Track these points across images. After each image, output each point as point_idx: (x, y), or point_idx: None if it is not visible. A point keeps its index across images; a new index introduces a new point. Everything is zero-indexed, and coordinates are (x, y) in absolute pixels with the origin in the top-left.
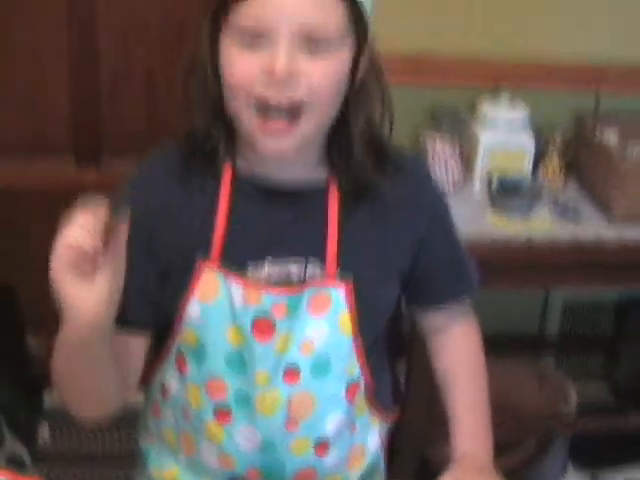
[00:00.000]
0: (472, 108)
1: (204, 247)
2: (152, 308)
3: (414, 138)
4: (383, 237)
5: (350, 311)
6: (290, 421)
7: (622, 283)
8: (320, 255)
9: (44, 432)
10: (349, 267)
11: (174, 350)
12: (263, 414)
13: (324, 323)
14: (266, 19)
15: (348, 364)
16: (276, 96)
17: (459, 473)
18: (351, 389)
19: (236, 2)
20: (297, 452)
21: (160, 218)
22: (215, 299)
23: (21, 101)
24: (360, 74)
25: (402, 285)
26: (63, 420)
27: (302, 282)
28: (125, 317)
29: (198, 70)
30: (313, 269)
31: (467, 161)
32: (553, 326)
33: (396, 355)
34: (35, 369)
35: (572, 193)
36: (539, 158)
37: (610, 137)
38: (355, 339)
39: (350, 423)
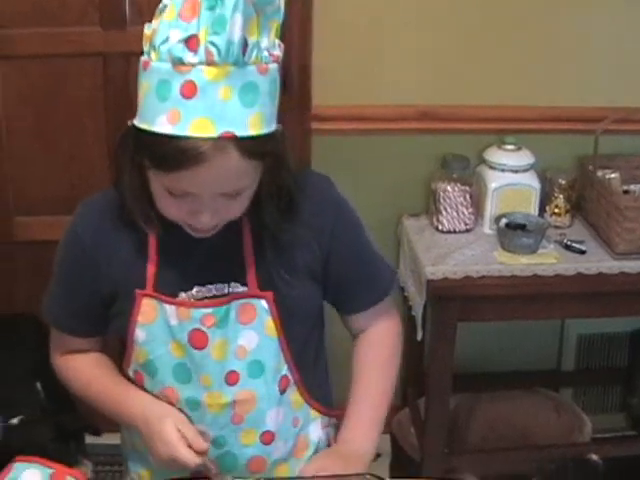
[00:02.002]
0: (480, 154)
1: (140, 280)
2: (103, 322)
3: (426, 183)
4: (293, 250)
5: (274, 317)
6: (235, 417)
7: (625, 313)
8: (241, 278)
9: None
10: (267, 282)
11: (131, 369)
12: (212, 413)
13: (252, 330)
14: (191, 191)
15: (278, 363)
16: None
17: (323, 461)
18: (283, 383)
19: (163, 175)
20: (245, 443)
21: (100, 256)
22: (154, 320)
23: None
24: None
25: (323, 291)
26: (107, 461)
27: (227, 296)
28: (81, 333)
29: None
30: (237, 289)
31: (477, 204)
32: (569, 359)
33: (417, 394)
34: (76, 411)
35: (577, 230)
36: (545, 198)
37: (611, 177)
38: (281, 340)
39: (291, 417)
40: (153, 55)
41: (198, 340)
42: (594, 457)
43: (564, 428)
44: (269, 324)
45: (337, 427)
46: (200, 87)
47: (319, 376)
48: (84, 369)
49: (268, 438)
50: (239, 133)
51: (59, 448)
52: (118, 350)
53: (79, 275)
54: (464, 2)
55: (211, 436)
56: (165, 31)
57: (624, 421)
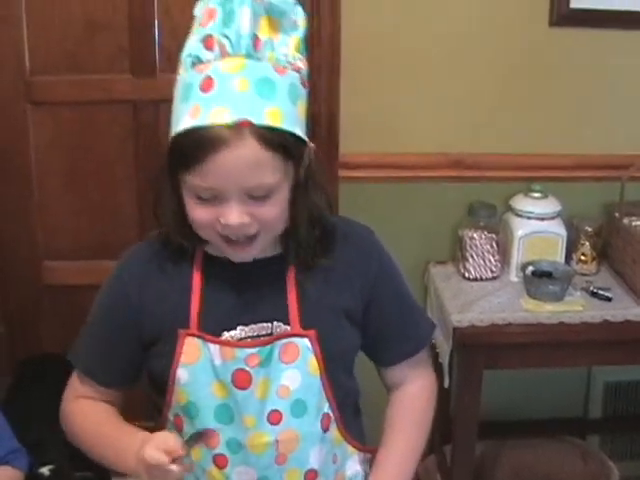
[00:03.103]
0: (507, 202)
1: (184, 320)
2: (134, 372)
3: (453, 232)
4: (336, 292)
5: (317, 355)
6: (279, 457)
7: None
8: (284, 317)
9: None
10: (310, 322)
11: (171, 413)
12: (255, 454)
13: (296, 369)
14: (216, 186)
15: (320, 401)
16: (234, 235)
17: None
18: (325, 422)
19: (189, 174)
20: None
21: (144, 300)
22: (198, 360)
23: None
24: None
25: (361, 339)
26: None
27: (270, 336)
28: (111, 385)
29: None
30: (279, 328)
31: (503, 251)
32: (596, 407)
33: (444, 440)
34: None
35: (603, 277)
36: (571, 246)
37: (637, 224)
38: (323, 379)
39: (332, 454)
40: (181, 70)
41: (242, 380)
42: None
43: (591, 476)
44: (312, 363)
45: (371, 463)
46: (217, 80)
47: (355, 414)
48: (88, 411)
49: (312, 477)
50: (256, 121)
51: None
52: (151, 400)
53: (120, 322)
54: (495, 50)
55: (255, 475)
56: (189, 43)
57: None
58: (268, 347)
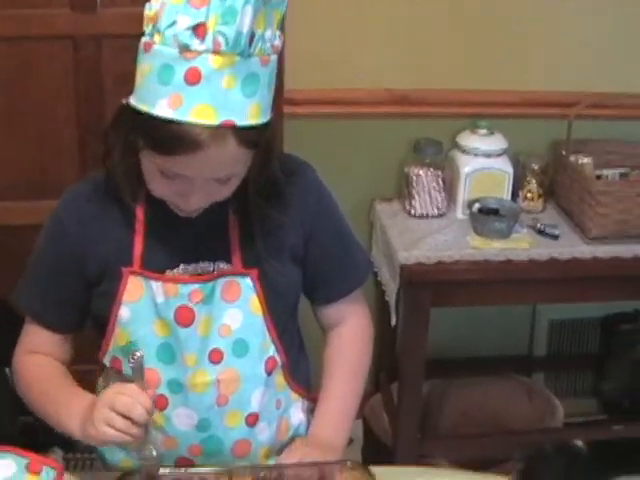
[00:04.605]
0: (453, 139)
1: (127, 259)
2: (81, 314)
3: (399, 169)
4: (277, 231)
5: (258, 295)
6: (220, 398)
7: (598, 298)
8: (226, 256)
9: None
10: (252, 261)
11: (109, 354)
12: (196, 394)
13: (237, 308)
14: (185, 175)
15: (264, 342)
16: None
17: (303, 449)
18: (269, 365)
19: (158, 156)
20: (231, 425)
21: (86, 239)
22: (140, 298)
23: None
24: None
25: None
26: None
27: (212, 274)
28: (60, 323)
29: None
30: (221, 266)
31: (450, 189)
32: (541, 345)
33: (390, 379)
34: None
35: (550, 215)
36: (518, 183)
37: (584, 161)
38: (266, 319)
39: (274, 398)
40: (157, 38)
41: (185, 317)
42: (578, 443)
43: (536, 413)
44: (254, 302)
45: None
46: (205, 74)
47: (301, 360)
48: (39, 369)
49: (253, 420)
50: (239, 122)
51: (29, 437)
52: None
53: (62, 261)
54: None
55: (195, 417)
56: (172, 15)
57: (595, 406)
58: (210, 284)
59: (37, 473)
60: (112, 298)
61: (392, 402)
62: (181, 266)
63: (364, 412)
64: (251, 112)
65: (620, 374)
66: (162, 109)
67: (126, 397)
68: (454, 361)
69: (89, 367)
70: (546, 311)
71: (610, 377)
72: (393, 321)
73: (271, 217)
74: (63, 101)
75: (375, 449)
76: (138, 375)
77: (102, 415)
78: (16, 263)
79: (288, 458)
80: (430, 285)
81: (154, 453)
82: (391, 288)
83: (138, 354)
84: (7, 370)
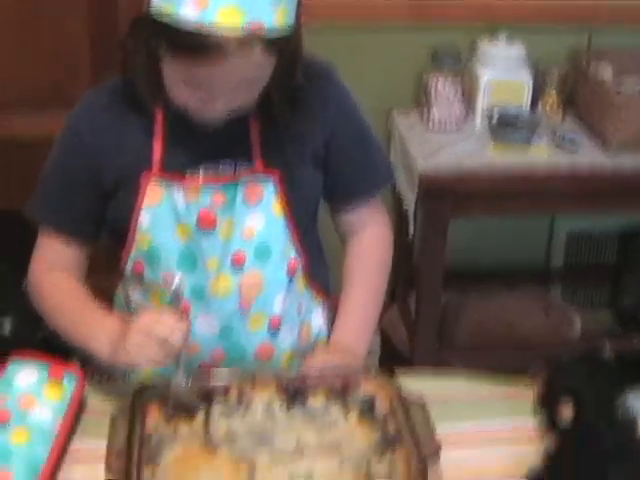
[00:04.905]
0: (472, 48)
1: (146, 166)
2: (97, 224)
3: (417, 79)
4: (299, 134)
5: (280, 198)
6: (243, 302)
7: (616, 210)
8: (247, 157)
9: None
10: (274, 163)
11: (131, 261)
12: (218, 299)
13: (259, 212)
14: (209, 86)
15: (285, 246)
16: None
17: (325, 356)
18: (291, 268)
19: (181, 65)
20: (253, 330)
21: (102, 145)
22: (160, 203)
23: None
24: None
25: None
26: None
27: (234, 176)
28: (76, 234)
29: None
30: (243, 167)
31: (468, 98)
32: (558, 257)
33: (407, 291)
34: None
35: (570, 125)
36: (537, 93)
37: (604, 71)
38: (288, 222)
39: (296, 303)
40: None
41: (207, 221)
42: (603, 351)
43: (553, 326)
44: (276, 205)
45: (333, 319)
46: None
47: (321, 265)
48: (59, 288)
49: (275, 324)
50: (267, 25)
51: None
52: (112, 251)
53: (76, 172)
54: None
55: (217, 323)
56: None
57: (612, 319)
58: (232, 187)
59: (58, 380)
60: (131, 205)
61: (409, 314)
62: (202, 168)
63: (382, 324)
64: (278, 16)
65: (637, 287)
66: (187, 10)
67: (164, 325)
68: (471, 273)
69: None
70: (564, 223)
71: (627, 290)
72: (411, 231)
73: (293, 121)
74: (76, 13)
75: (392, 360)
76: (176, 302)
77: (137, 341)
78: (30, 176)
79: (310, 364)
80: (449, 195)
81: (185, 380)
82: (409, 199)
83: (177, 280)
84: (23, 283)
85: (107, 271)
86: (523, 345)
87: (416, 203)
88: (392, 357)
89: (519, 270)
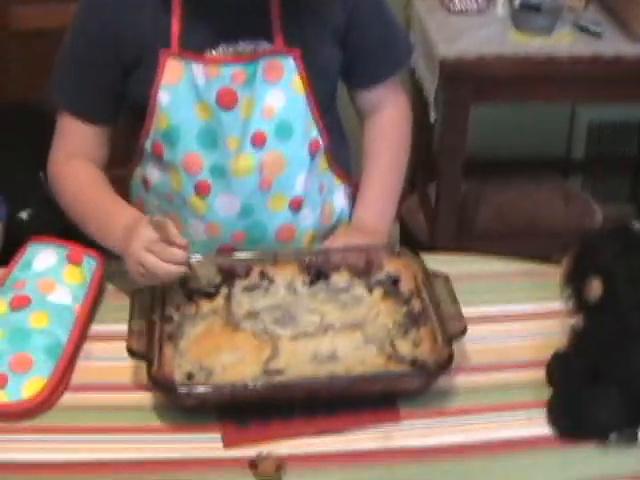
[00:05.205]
0: None
1: (164, 40)
2: (116, 103)
3: None
4: (319, 11)
5: (301, 75)
6: (264, 181)
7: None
8: (268, 35)
9: None
10: (295, 40)
11: (149, 140)
12: (238, 179)
13: (280, 89)
14: None
15: (307, 124)
16: None
17: (346, 235)
18: (313, 147)
19: None
20: (274, 210)
21: (121, 20)
22: (180, 81)
23: None
24: None
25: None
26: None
27: (254, 53)
28: (96, 115)
29: None
30: (263, 45)
31: None
32: (579, 148)
33: (427, 179)
34: None
35: (593, 13)
36: None
37: None
38: (309, 99)
39: (318, 182)
40: None
41: (227, 99)
42: (635, 225)
43: (573, 217)
44: (296, 82)
45: (354, 200)
46: None
47: (342, 144)
48: (79, 177)
49: (297, 204)
50: None
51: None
52: (130, 129)
53: (96, 47)
54: None
55: (238, 203)
56: None
57: (633, 211)
58: (252, 64)
59: (78, 263)
60: (150, 82)
61: (429, 202)
62: (221, 46)
63: (401, 213)
64: None
65: None
66: None
67: (158, 265)
68: (491, 162)
69: (121, 172)
70: (585, 113)
71: None
72: (432, 117)
73: None
74: None
75: (412, 249)
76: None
77: (133, 267)
78: (46, 67)
79: (332, 243)
80: (470, 80)
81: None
82: (429, 85)
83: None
84: (41, 174)
85: (124, 165)
86: (543, 234)
87: (437, 89)
88: (411, 246)
89: (539, 160)
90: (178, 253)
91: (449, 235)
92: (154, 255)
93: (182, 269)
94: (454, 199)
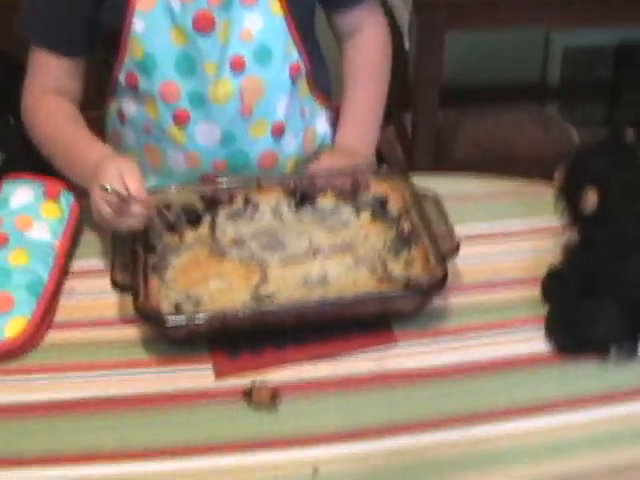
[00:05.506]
0: None
1: None
2: (90, 34)
3: None
4: None
5: None
6: (244, 107)
7: (615, 21)
8: None
9: None
10: None
11: (124, 71)
12: (218, 105)
13: (257, 12)
14: None
15: (286, 47)
16: None
17: (330, 158)
18: (293, 71)
19: None
20: (256, 137)
21: None
22: (154, 6)
23: None
24: None
25: None
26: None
27: None
28: (69, 47)
29: None
30: None
31: None
32: (555, 73)
33: (402, 107)
34: None
35: None
36: None
37: None
38: (288, 22)
39: (299, 107)
40: None
41: (203, 23)
42: (629, 138)
43: (552, 142)
44: (274, 3)
45: (336, 126)
46: None
47: (322, 68)
48: (53, 112)
49: (279, 130)
50: None
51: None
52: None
53: None
54: None
55: (218, 131)
56: None
57: (606, 134)
58: None
59: (55, 198)
60: (124, 9)
61: (406, 133)
62: None
63: (379, 146)
64: None
65: (635, 103)
66: None
67: (111, 216)
68: (466, 90)
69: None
70: (560, 38)
71: (624, 106)
72: (406, 45)
73: None
74: None
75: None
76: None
77: (93, 206)
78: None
79: (317, 166)
80: (443, 6)
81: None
82: (402, 12)
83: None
84: (10, 118)
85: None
86: (521, 161)
87: (410, 17)
88: None
89: (515, 87)
90: (133, 209)
91: (426, 165)
92: (109, 206)
93: (138, 223)
94: (431, 128)
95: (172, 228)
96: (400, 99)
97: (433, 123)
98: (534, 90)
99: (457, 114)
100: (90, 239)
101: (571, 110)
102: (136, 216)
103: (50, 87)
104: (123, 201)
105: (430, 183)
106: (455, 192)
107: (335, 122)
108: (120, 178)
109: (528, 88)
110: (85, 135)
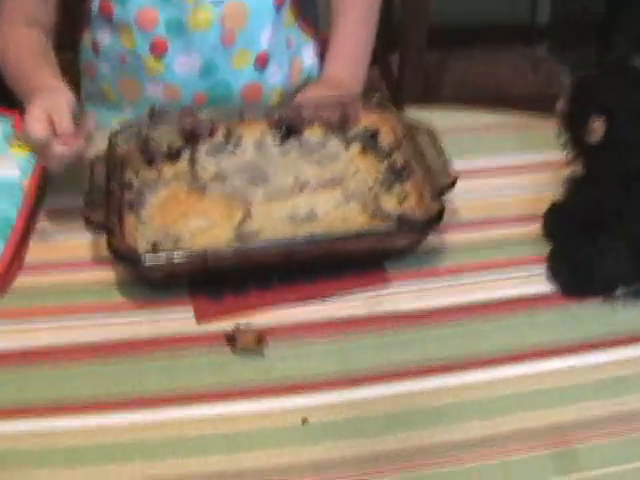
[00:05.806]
0: None
1: None
2: None
3: None
4: None
5: None
6: (226, 35)
7: None
8: None
9: None
10: None
11: (97, 0)
12: (198, 33)
13: None
14: None
15: None
16: None
17: (317, 89)
18: None
19: None
20: (239, 67)
21: None
22: None
23: None
24: None
25: None
26: None
27: None
28: None
29: None
30: None
31: None
32: (544, 13)
33: (389, 48)
34: None
35: None
36: None
37: None
38: None
39: (284, 37)
40: None
41: None
42: (637, 64)
43: (542, 83)
44: None
45: (323, 58)
46: None
47: None
48: (22, 41)
49: (263, 61)
50: None
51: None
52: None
53: None
54: None
55: (199, 61)
56: None
57: None
58: None
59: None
60: None
61: (392, 74)
62: None
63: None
64: None
65: (626, 45)
66: None
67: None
68: (454, 31)
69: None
70: None
71: (615, 48)
72: None
73: None
74: None
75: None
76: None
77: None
78: None
79: (303, 97)
80: None
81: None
82: None
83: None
84: None
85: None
86: (511, 103)
87: None
88: None
89: (503, 27)
90: (54, 150)
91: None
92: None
93: (57, 164)
94: (418, 70)
95: (150, 163)
96: (386, 40)
97: (420, 64)
98: (523, 30)
99: (445, 55)
100: (62, 176)
101: (562, 52)
102: (55, 157)
103: (21, 15)
104: (43, 144)
105: (422, 116)
106: (449, 125)
107: (323, 54)
108: (42, 118)
109: (518, 29)
110: (43, 64)
